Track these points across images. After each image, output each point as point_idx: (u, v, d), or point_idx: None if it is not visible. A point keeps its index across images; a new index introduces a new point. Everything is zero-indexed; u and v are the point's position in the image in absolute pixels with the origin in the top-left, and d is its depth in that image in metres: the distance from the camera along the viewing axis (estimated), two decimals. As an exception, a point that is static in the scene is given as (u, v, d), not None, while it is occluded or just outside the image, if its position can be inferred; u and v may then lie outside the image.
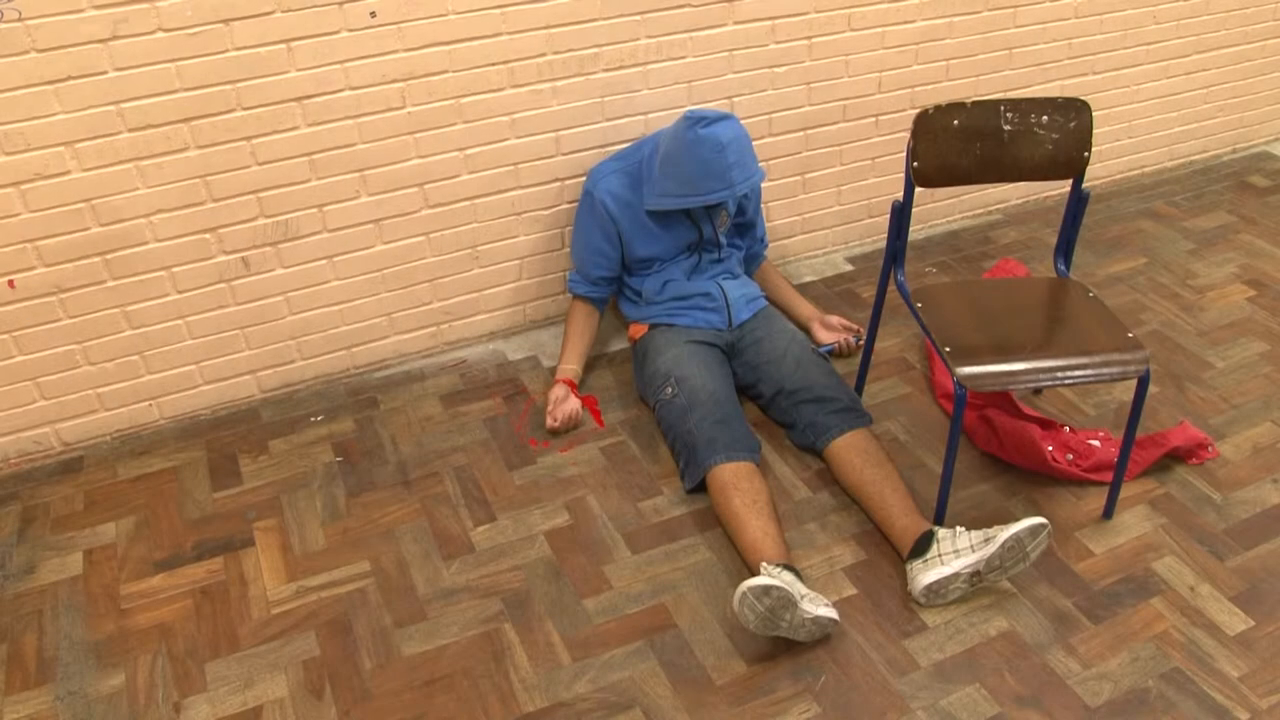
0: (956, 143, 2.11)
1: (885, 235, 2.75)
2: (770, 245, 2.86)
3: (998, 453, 2.27)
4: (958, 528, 1.92)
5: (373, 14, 2.15)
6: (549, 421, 2.36)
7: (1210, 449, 2.29)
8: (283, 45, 2.11)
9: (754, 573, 1.92)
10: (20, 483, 2.27)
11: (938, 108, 2.08)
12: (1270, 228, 3.20)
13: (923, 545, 1.93)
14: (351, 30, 2.16)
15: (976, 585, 1.91)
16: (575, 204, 2.58)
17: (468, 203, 2.48)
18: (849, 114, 2.86)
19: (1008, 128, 2.11)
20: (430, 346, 2.66)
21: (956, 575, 1.88)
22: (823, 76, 2.75)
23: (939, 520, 2.07)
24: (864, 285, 2.94)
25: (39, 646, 1.89)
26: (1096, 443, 2.25)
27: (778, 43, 2.63)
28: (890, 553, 2.05)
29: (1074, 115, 2.11)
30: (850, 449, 2.16)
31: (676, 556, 2.06)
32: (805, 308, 2.70)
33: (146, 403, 2.39)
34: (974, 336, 2.00)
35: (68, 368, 2.27)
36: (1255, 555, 2.04)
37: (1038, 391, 2.50)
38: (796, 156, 2.86)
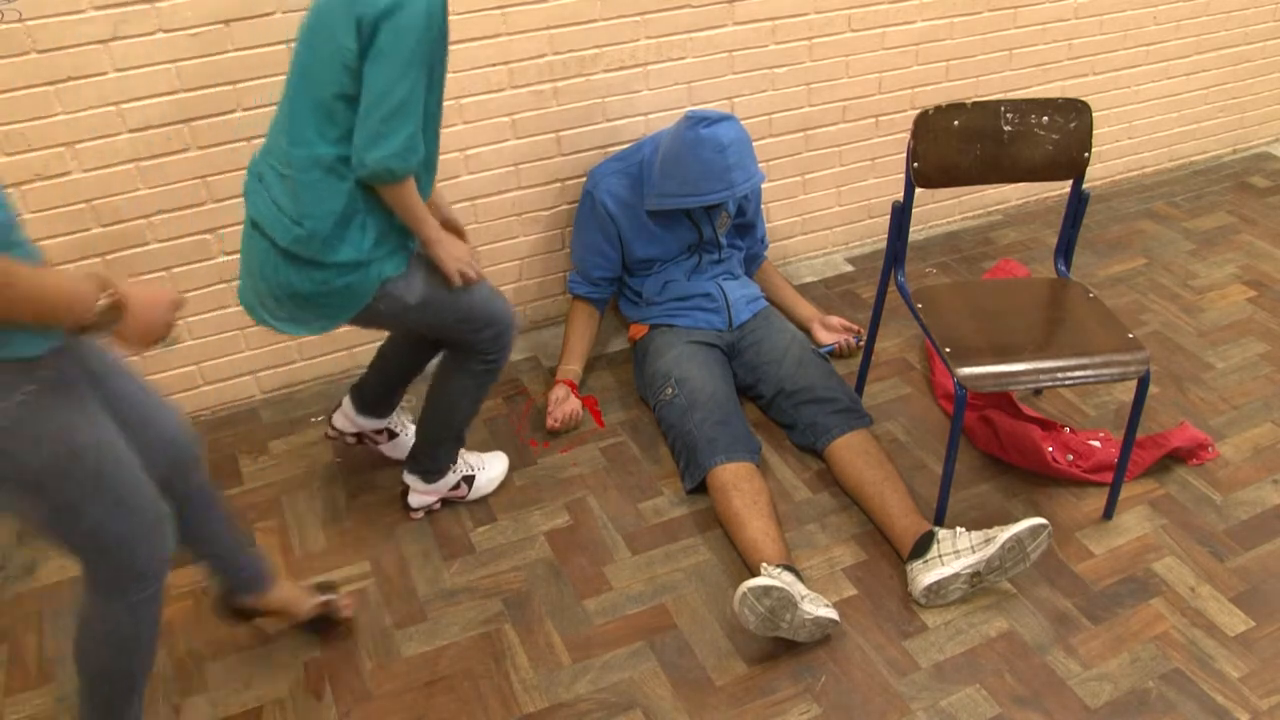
0: (957, 143, 2.11)
1: (885, 236, 2.75)
2: (770, 246, 2.86)
3: (998, 453, 2.27)
4: (958, 528, 1.92)
5: (373, 14, 2.15)
6: (549, 422, 2.36)
7: (1210, 450, 2.29)
8: (283, 46, 2.11)
9: (754, 573, 1.92)
10: (20, 483, 2.27)
11: (938, 108, 2.08)
12: (1270, 228, 3.20)
13: (923, 546, 1.93)
14: (352, 31, 2.16)
15: (977, 586, 1.91)
16: (575, 204, 2.58)
17: (468, 203, 2.48)
18: (849, 115, 2.86)
19: (1008, 128, 2.11)
20: (430, 347, 2.66)
21: (957, 576, 1.88)
22: (823, 77, 2.75)
23: (939, 521, 2.07)
24: (864, 286, 2.94)
25: (39, 647, 1.89)
26: (1097, 443, 2.25)
27: (778, 43, 2.63)
28: (890, 553, 2.05)
29: (1074, 116, 2.11)
30: (850, 450, 2.16)
31: (676, 557, 2.06)
32: (805, 308, 2.70)
33: (147, 403, 2.39)
34: (974, 337, 2.00)
35: (68, 368, 2.27)
36: (1255, 556, 2.04)
37: (1038, 392, 2.50)
38: (797, 157, 2.86)
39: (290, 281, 1.70)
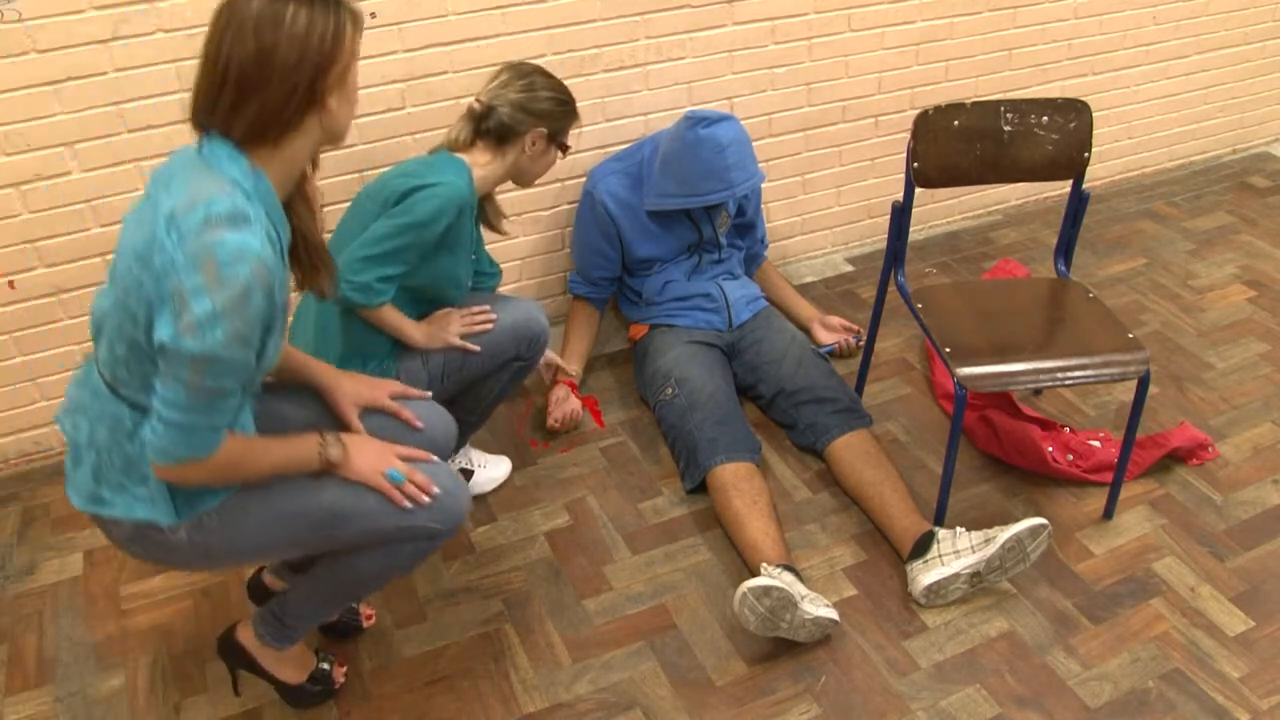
0: (957, 143, 2.11)
1: (885, 236, 2.75)
2: (770, 246, 2.86)
3: (998, 453, 2.27)
4: (958, 528, 1.92)
5: (373, 15, 2.16)
6: (549, 422, 2.36)
7: (1210, 449, 2.29)
8: (283, 46, 2.11)
9: (754, 573, 1.92)
10: (21, 483, 2.27)
11: (938, 108, 2.08)
12: (1270, 228, 3.20)
13: (923, 546, 1.93)
14: (352, 31, 2.16)
15: (977, 586, 1.91)
16: (575, 204, 2.58)
17: (468, 203, 2.48)
18: (849, 115, 2.86)
19: (1008, 128, 2.11)
20: (430, 347, 2.66)
21: (957, 576, 1.88)
22: (823, 77, 2.75)
23: (939, 521, 2.07)
24: (864, 286, 2.94)
25: (39, 647, 1.89)
26: (1097, 443, 2.25)
27: (777, 44, 2.63)
28: (890, 553, 2.05)
29: (1074, 116, 2.11)
30: (850, 450, 2.16)
31: (676, 557, 2.06)
32: (805, 308, 2.70)
33: (147, 403, 2.39)
34: (974, 337, 2.00)
35: (68, 368, 2.27)
36: (1255, 556, 2.04)
37: (1038, 392, 2.50)
38: (796, 157, 2.86)
39: None
